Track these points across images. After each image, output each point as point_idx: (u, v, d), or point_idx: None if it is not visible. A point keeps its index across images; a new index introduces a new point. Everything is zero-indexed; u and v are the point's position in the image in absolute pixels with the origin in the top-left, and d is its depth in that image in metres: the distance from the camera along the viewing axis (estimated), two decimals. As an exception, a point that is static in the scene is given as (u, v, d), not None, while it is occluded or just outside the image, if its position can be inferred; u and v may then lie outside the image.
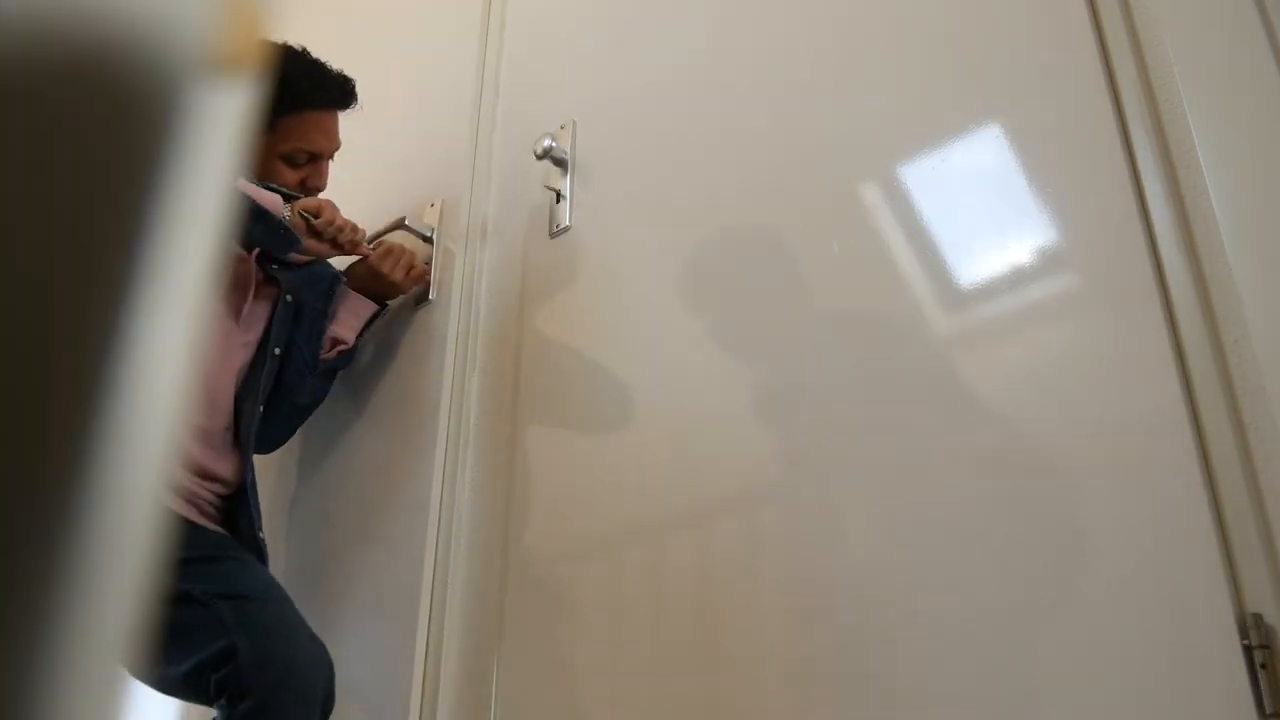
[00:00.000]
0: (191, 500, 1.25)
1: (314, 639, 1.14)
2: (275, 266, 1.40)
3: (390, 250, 1.47)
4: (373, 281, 1.47)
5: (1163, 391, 0.80)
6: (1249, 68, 0.85)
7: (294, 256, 1.41)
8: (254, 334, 1.37)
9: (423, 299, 1.52)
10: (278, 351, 1.38)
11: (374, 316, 1.48)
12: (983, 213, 0.98)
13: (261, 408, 1.36)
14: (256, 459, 1.38)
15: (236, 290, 1.35)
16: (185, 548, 1.16)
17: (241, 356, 1.36)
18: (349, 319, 1.45)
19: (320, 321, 1.42)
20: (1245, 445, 0.76)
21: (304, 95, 1.37)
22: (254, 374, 1.35)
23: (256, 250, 1.37)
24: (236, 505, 1.32)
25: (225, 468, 1.31)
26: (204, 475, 1.28)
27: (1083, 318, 0.89)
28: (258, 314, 1.38)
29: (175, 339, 0.20)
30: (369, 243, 1.46)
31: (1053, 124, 0.96)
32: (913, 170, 1.06)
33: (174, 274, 0.20)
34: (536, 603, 1.20)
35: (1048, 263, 0.92)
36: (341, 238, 1.36)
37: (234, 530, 1.29)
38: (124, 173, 0.19)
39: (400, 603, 1.29)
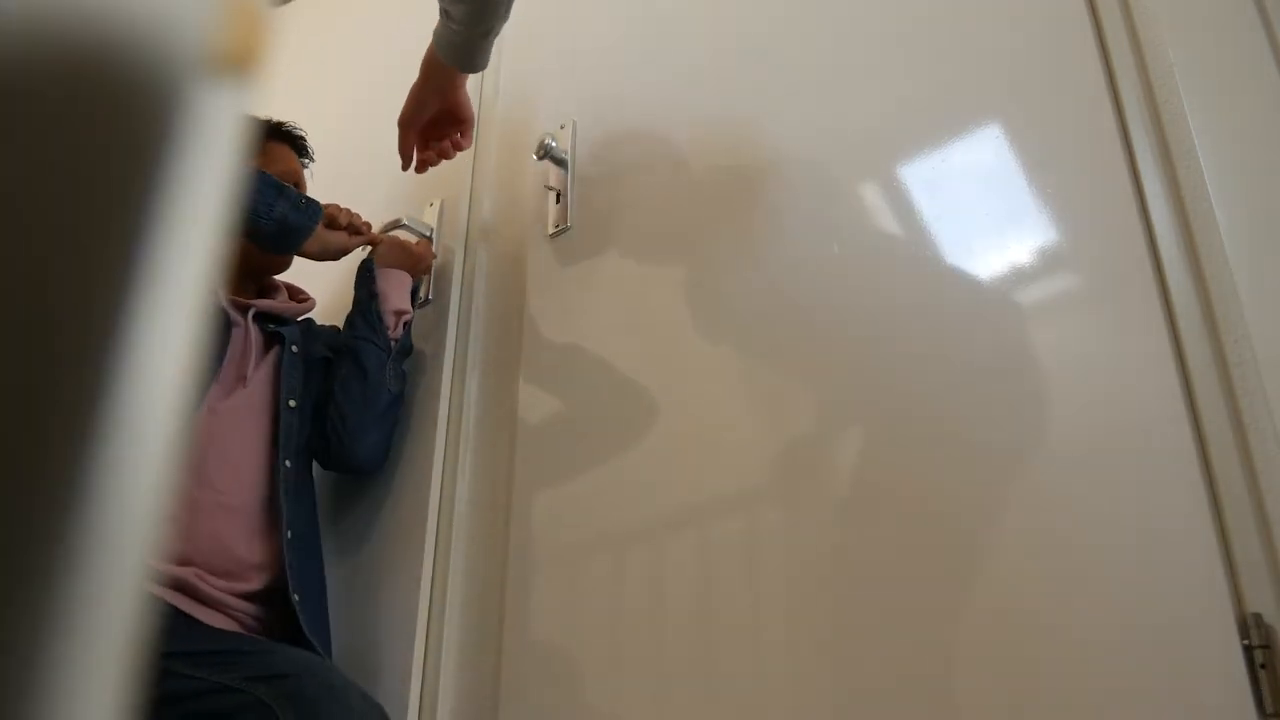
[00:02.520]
0: (218, 609, 1.17)
1: (366, 698, 1.07)
2: (271, 325, 1.39)
3: (397, 235, 1.52)
4: (397, 256, 1.47)
5: (1162, 391, 0.80)
6: (1249, 68, 0.85)
7: (287, 306, 1.42)
8: (266, 397, 1.33)
9: (422, 299, 1.52)
10: (292, 404, 1.34)
11: (415, 289, 1.49)
12: (983, 213, 0.98)
13: (288, 463, 1.29)
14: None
15: (237, 358, 1.32)
16: (211, 641, 1.11)
17: (262, 428, 1.30)
18: (398, 290, 1.44)
19: (370, 305, 1.41)
20: (1245, 445, 0.76)
21: (272, 129, 1.46)
22: (276, 437, 1.30)
23: (253, 311, 1.36)
24: (280, 606, 1.21)
25: (254, 552, 1.21)
26: (227, 572, 1.18)
27: (1083, 318, 0.89)
28: (263, 376, 1.34)
29: (175, 339, 0.20)
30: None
31: (1053, 124, 0.96)
32: (913, 170, 1.06)
33: (174, 274, 0.20)
34: (536, 602, 1.20)
35: (1048, 263, 0.92)
36: (357, 222, 1.44)
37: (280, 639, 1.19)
38: (124, 173, 0.19)
39: (399, 603, 1.29)
